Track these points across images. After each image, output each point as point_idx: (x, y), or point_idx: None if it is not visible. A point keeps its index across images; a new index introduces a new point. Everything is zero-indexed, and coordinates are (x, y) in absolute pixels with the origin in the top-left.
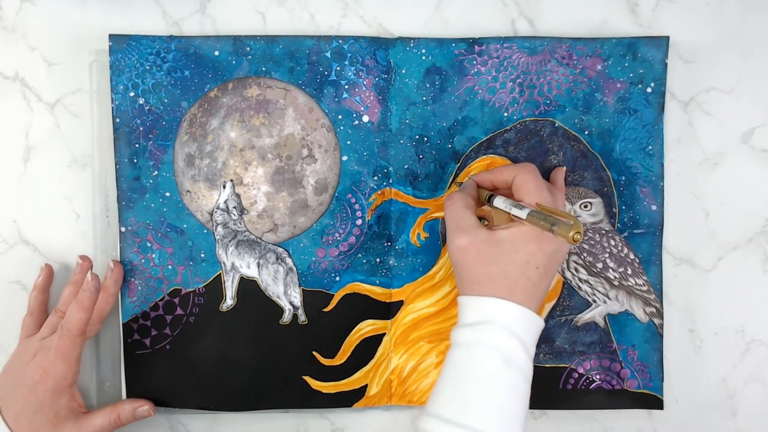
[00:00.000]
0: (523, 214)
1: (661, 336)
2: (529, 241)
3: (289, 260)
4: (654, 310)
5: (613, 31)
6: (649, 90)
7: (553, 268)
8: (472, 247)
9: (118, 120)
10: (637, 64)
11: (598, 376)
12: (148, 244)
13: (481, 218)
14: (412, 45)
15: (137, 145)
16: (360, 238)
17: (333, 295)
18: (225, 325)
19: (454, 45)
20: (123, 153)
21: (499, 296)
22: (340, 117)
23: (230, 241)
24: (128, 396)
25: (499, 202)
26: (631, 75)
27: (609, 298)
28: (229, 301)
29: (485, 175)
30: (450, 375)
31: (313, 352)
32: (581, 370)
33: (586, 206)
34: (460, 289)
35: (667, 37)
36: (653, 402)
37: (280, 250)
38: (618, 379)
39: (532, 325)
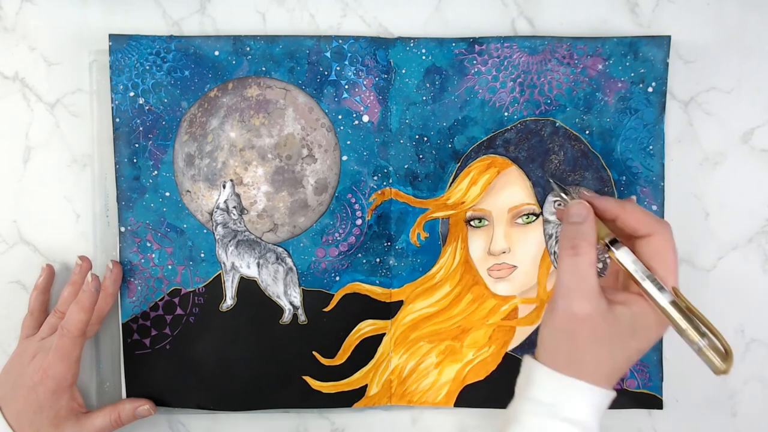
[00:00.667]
0: (664, 301)
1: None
2: (650, 327)
3: (289, 260)
4: None
5: (612, 31)
6: (650, 90)
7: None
8: (589, 322)
9: (117, 120)
10: (638, 64)
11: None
12: (148, 244)
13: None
14: (412, 45)
15: (137, 145)
16: (360, 238)
17: (333, 295)
18: (225, 325)
19: (454, 45)
20: (123, 153)
21: (597, 383)
22: (340, 117)
23: (230, 241)
24: (128, 396)
25: (628, 260)
26: (632, 74)
27: None
28: (229, 301)
29: (613, 205)
30: None
31: (313, 352)
32: None
33: None
34: (551, 354)
35: (669, 37)
36: (653, 402)
37: (280, 249)
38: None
39: (608, 403)
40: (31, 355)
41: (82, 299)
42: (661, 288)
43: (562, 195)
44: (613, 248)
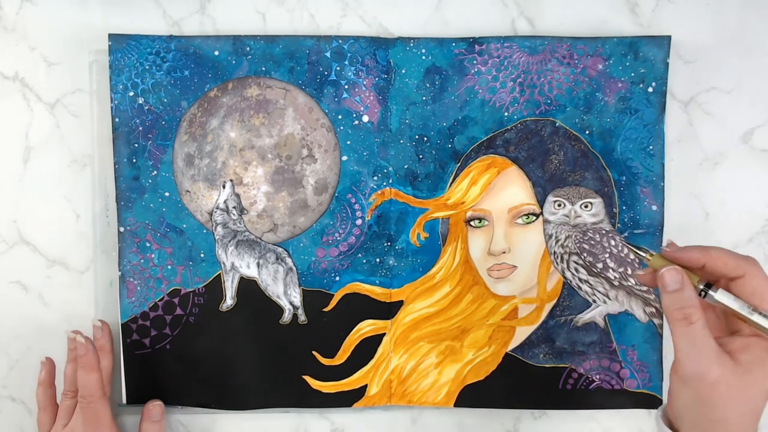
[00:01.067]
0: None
1: (661, 336)
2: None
3: (288, 260)
4: (654, 310)
5: (612, 31)
6: (650, 90)
7: None
8: (723, 381)
9: (117, 120)
10: (639, 64)
11: (597, 376)
12: (148, 244)
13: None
14: (412, 45)
15: (136, 145)
16: (360, 238)
17: (333, 295)
18: (225, 325)
19: (454, 44)
20: (122, 153)
21: None
22: (340, 117)
23: (230, 241)
24: (127, 396)
25: (730, 300)
26: (633, 74)
27: (609, 298)
28: (229, 301)
29: (697, 254)
30: None
31: (313, 352)
32: (581, 370)
33: (586, 206)
34: (695, 421)
35: (669, 37)
36: (653, 402)
37: (280, 250)
38: (618, 379)
39: None
40: None
41: (84, 361)
42: None
43: (641, 254)
44: (710, 292)
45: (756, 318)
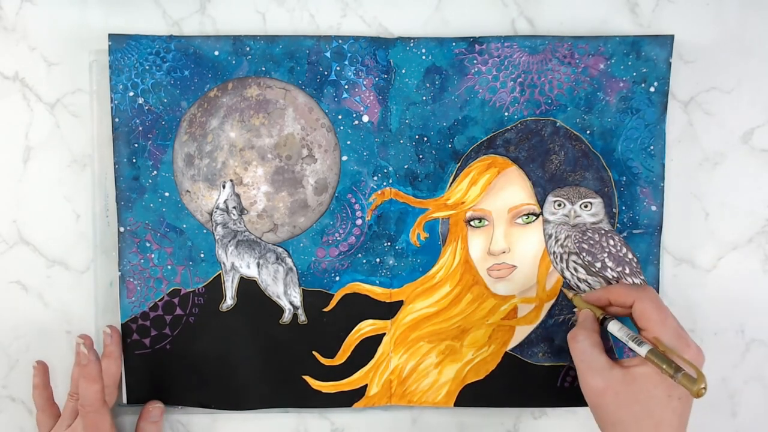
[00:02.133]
0: (642, 351)
1: None
2: (667, 378)
3: (288, 260)
4: None
5: (612, 31)
6: (652, 89)
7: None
8: (610, 390)
9: (117, 120)
10: (641, 63)
11: None
12: (148, 244)
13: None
14: (412, 45)
15: (136, 145)
16: (360, 238)
17: (333, 295)
18: (225, 325)
19: (454, 44)
20: (122, 153)
21: None
22: (340, 117)
23: (230, 241)
24: (128, 395)
25: (615, 329)
26: (634, 74)
27: None
28: (229, 301)
29: (600, 293)
30: None
31: (313, 352)
32: None
33: (586, 206)
34: (602, 426)
35: (672, 36)
36: None
37: (280, 250)
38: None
39: None
40: None
41: (87, 372)
42: (641, 343)
43: (568, 294)
44: (606, 323)
45: (630, 344)
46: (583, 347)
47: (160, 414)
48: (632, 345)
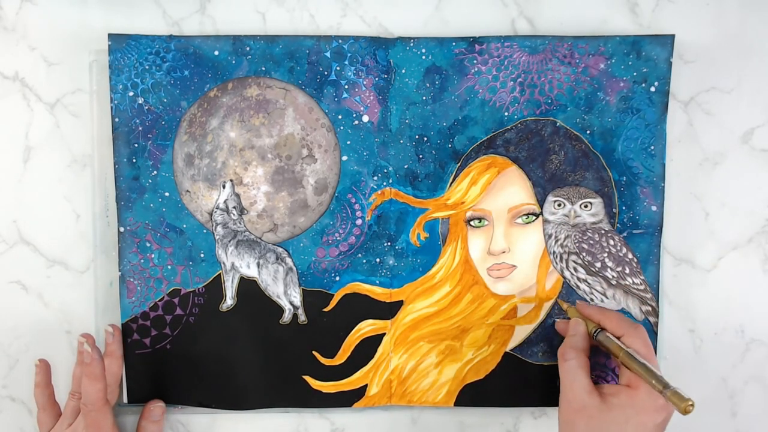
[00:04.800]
0: (634, 365)
1: (656, 334)
2: (641, 411)
3: (288, 260)
4: (650, 308)
5: (612, 31)
6: (652, 89)
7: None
8: (585, 413)
9: (117, 120)
10: (641, 63)
11: (594, 373)
12: (148, 244)
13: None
14: (412, 45)
15: (136, 145)
16: (360, 238)
17: (333, 295)
18: (225, 325)
19: (454, 44)
20: (122, 153)
21: None
22: (339, 117)
23: (230, 241)
24: (129, 395)
25: (608, 340)
26: (635, 74)
27: (606, 297)
28: (229, 301)
29: (595, 314)
30: None
31: (313, 352)
32: None
33: (586, 206)
34: None
35: (672, 36)
36: None
37: (280, 249)
38: (613, 376)
39: None
40: None
41: (89, 370)
42: (632, 358)
43: (563, 306)
44: (599, 334)
45: (621, 354)
46: (571, 366)
47: (162, 413)
48: (623, 357)
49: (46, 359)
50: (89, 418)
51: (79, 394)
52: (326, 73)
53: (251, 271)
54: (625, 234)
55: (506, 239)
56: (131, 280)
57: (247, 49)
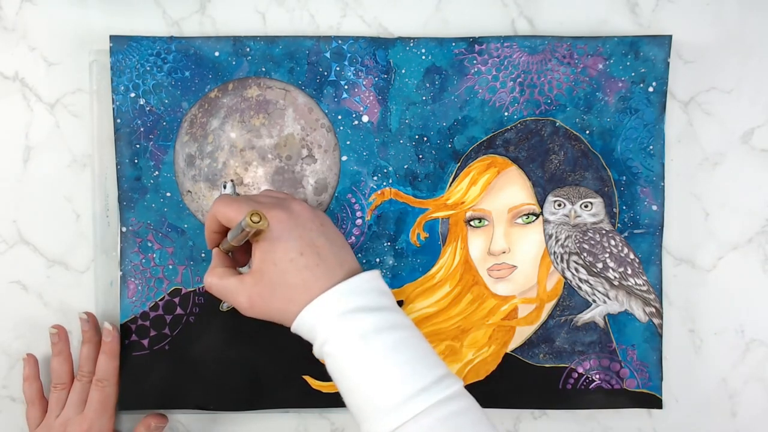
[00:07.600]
0: (228, 238)
1: (661, 336)
2: (267, 251)
3: None
4: (653, 309)
5: (612, 31)
6: (650, 89)
7: (307, 237)
8: (252, 296)
9: (118, 120)
10: (639, 63)
11: (597, 376)
12: (149, 244)
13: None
14: (411, 45)
15: (138, 146)
16: (360, 238)
17: None
18: (225, 325)
19: (454, 44)
20: (124, 153)
21: (305, 303)
22: (339, 117)
23: None
24: (125, 398)
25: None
26: (633, 74)
27: (609, 298)
28: None
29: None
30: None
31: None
32: (581, 370)
33: (586, 206)
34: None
35: (670, 36)
36: (652, 401)
37: None
38: (617, 379)
39: (356, 287)
40: None
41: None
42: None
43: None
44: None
45: (226, 246)
46: (218, 285)
47: (162, 429)
48: (227, 246)
49: (33, 353)
50: (103, 393)
51: (61, 385)
52: (326, 73)
53: None
54: (626, 234)
55: (506, 239)
56: (132, 279)
57: (247, 49)
